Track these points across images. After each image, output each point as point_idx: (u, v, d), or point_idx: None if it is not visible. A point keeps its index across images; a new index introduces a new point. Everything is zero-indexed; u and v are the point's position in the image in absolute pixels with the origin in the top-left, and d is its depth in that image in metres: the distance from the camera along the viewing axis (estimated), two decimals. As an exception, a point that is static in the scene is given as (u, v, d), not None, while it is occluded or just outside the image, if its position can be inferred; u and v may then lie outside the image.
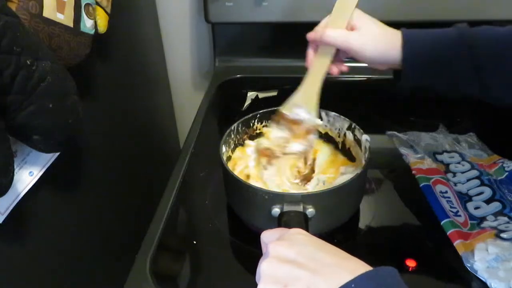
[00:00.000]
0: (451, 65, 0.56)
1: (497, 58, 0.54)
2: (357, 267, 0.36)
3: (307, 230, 0.43)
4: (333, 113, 0.70)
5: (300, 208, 0.55)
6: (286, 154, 0.66)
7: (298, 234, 0.41)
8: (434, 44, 0.57)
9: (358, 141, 0.67)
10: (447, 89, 0.59)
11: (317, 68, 0.62)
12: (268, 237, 0.43)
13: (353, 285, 0.33)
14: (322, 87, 0.63)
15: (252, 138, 0.73)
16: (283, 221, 0.53)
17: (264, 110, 0.72)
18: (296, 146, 0.65)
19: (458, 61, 0.56)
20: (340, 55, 0.62)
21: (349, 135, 0.69)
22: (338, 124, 0.71)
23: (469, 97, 0.58)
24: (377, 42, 0.58)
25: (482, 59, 0.55)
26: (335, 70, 0.63)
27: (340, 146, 0.72)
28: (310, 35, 0.61)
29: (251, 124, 0.72)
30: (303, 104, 0.64)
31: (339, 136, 0.71)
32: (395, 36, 0.58)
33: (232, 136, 0.69)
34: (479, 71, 0.55)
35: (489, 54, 0.55)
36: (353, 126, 0.68)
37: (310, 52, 0.63)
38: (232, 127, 0.69)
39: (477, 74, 0.55)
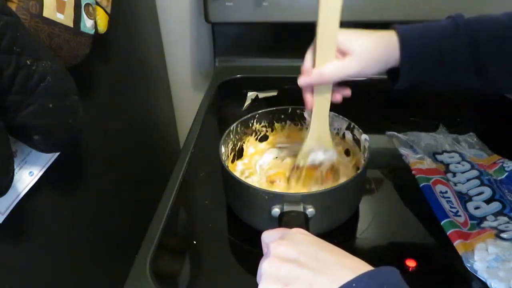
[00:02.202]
0: (451, 60, 0.54)
1: (497, 48, 0.52)
2: (359, 266, 0.36)
3: (307, 230, 0.43)
4: (331, 113, 0.70)
5: (300, 208, 0.55)
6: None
7: (299, 233, 0.41)
8: (432, 41, 0.54)
9: (357, 141, 0.67)
10: (448, 85, 0.56)
11: (320, 105, 0.59)
12: (269, 237, 0.43)
13: (354, 284, 0.33)
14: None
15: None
16: (283, 221, 0.53)
17: (263, 110, 0.72)
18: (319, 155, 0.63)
19: (458, 56, 0.53)
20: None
21: (348, 135, 0.69)
22: (337, 124, 0.70)
23: (471, 92, 0.56)
24: (374, 58, 0.54)
25: (483, 50, 0.53)
26: (338, 98, 0.59)
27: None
28: (303, 81, 0.56)
29: (250, 124, 0.72)
30: (317, 147, 0.62)
31: (337, 136, 0.71)
32: (390, 39, 0.54)
33: (231, 136, 0.69)
34: (481, 63, 0.53)
35: (488, 45, 0.53)
36: (352, 126, 0.68)
37: (307, 96, 0.58)
38: (231, 128, 0.69)
39: (478, 67, 0.53)
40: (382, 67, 0.55)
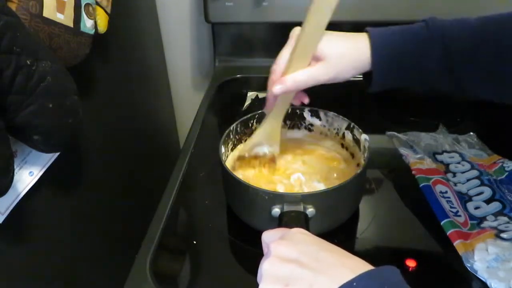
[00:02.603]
0: (423, 65, 0.54)
1: (469, 54, 0.52)
2: (359, 266, 0.36)
3: (308, 230, 0.43)
4: (331, 113, 0.70)
5: (300, 208, 0.55)
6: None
7: (299, 233, 0.41)
8: (404, 46, 0.54)
9: (357, 141, 0.67)
10: (420, 89, 0.56)
11: (280, 107, 0.61)
12: (270, 237, 0.43)
13: (355, 284, 0.33)
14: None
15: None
16: (284, 221, 0.53)
17: (263, 110, 0.72)
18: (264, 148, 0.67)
19: (430, 62, 0.53)
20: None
21: (348, 135, 0.69)
22: (337, 124, 0.70)
23: (443, 94, 0.56)
24: (347, 63, 0.54)
25: (455, 56, 0.52)
26: (296, 102, 0.61)
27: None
28: (279, 90, 0.55)
29: (250, 125, 0.72)
30: (265, 142, 0.66)
31: (337, 136, 0.71)
32: (362, 45, 0.54)
33: (231, 136, 0.69)
34: (452, 69, 0.53)
35: (461, 50, 0.52)
36: (352, 126, 0.68)
37: (271, 98, 0.59)
38: (231, 128, 0.69)
39: (450, 72, 0.53)
40: (355, 72, 0.55)
